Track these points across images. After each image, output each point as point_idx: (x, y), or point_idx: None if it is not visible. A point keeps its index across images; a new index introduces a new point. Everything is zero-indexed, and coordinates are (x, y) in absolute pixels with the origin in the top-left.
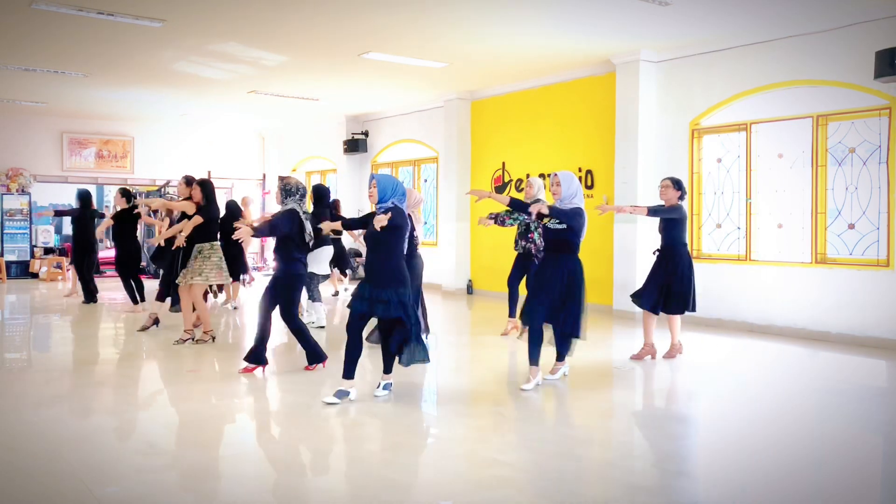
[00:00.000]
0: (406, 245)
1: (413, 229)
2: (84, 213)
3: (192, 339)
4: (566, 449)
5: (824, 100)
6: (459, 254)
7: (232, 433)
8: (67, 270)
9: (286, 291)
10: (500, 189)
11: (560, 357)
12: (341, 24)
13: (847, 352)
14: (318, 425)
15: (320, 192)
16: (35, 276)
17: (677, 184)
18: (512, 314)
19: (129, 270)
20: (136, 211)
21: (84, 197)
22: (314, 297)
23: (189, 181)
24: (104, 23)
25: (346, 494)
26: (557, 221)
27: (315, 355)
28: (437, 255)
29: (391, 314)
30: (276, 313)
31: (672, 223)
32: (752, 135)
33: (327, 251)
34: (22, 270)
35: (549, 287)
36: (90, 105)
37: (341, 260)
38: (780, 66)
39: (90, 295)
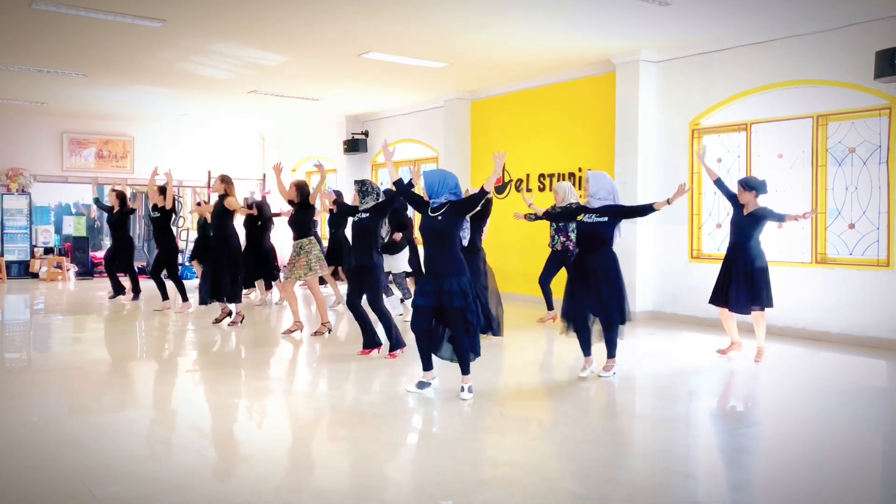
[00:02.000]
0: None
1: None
2: (122, 210)
3: (329, 331)
4: (566, 449)
5: (824, 100)
6: None
7: (231, 433)
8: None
9: (374, 279)
10: (499, 189)
11: (611, 353)
12: (341, 24)
13: (847, 352)
14: (318, 425)
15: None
16: (35, 276)
17: (748, 186)
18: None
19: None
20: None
21: (121, 196)
22: (406, 294)
23: (225, 178)
24: (104, 23)
25: (346, 494)
26: (597, 215)
27: (399, 340)
28: None
29: (455, 304)
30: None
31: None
32: (752, 135)
33: (405, 251)
34: (22, 270)
35: (586, 282)
36: (90, 105)
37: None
38: (779, 66)
39: (121, 289)
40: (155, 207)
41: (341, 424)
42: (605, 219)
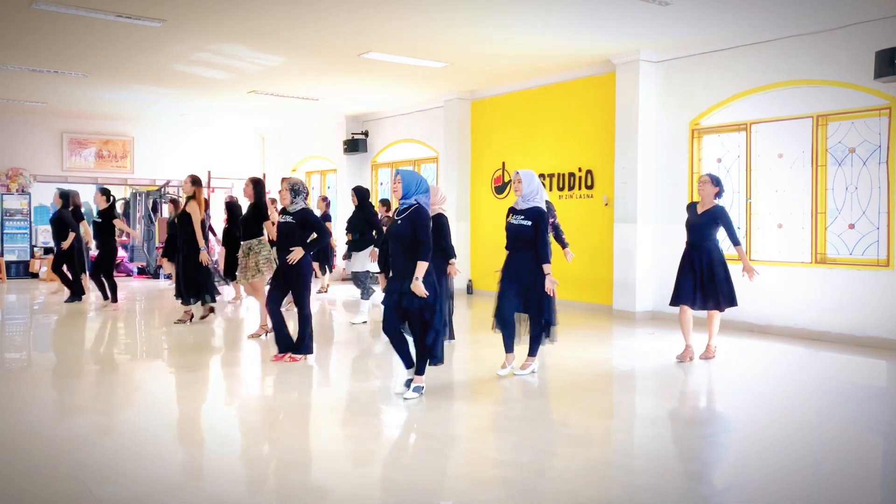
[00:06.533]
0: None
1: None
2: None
3: (266, 335)
4: (566, 449)
5: (824, 100)
6: (459, 254)
7: (231, 432)
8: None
9: (303, 279)
10: (499, 189)
11: (532, 351)
12: (341, 24)
13: (847, 352)
14: (317, 425)
15: (363, 194)
16: (35, 276)
17: (716, 180)
18: None
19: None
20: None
21: (64, 196)
22: (369, 295)
23: (195, 181)
24: (104, 23)
25: (346, 494)
26: (523, 217)
27: (307, 346)
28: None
29: (414, 304)
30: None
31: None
32: (752, 135)
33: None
34: (22, 270)
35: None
36: (90, 105)
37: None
38: (780, 66)
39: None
40: (99, 212)
41: (340, 424)
42: (529, 223)
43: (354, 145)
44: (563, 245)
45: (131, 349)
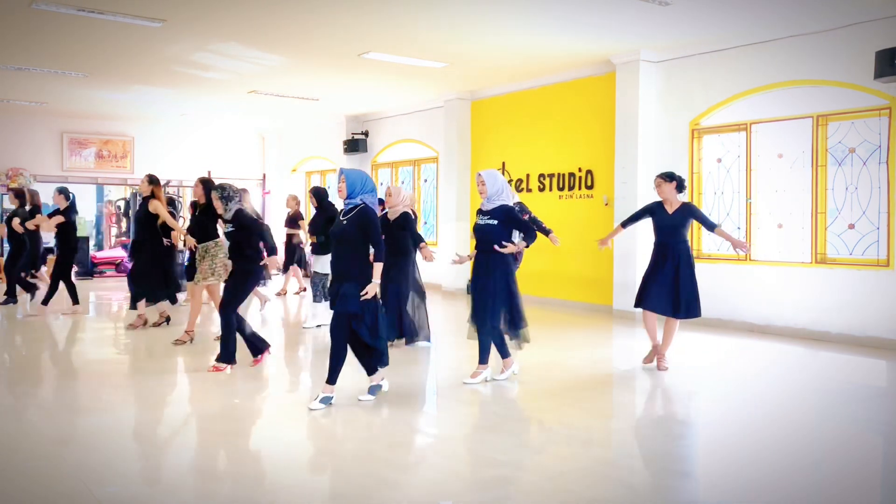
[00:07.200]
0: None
1: (405, 228)
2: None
3: (191, 340)
4: (566, 449)
5: (824, 100)
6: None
7: (231, 433)
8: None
9: (239, 286)
10: None
11: (501, 355)
12: (341, 24)
13: (847, 352)
14: (317, 425)
15: (321, 195)
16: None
17: (669, 176)
18: None
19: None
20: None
21: (20, 196)
22: (321, 298)
23: (152, 180)
24: (104, 23)
25: (345, 494)
26: (489, 217)
27: (230, 355)
28: (438, 255)
29: (348, 308)
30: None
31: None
32: (752, 135)
33: None
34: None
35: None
36: (90, 105)
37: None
38: (780, 66)
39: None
40: (57, 211)
41: (340, 424)
42: (496, 222)
43: (354, 145)
44: (546, 232)
45: (129, 351)
